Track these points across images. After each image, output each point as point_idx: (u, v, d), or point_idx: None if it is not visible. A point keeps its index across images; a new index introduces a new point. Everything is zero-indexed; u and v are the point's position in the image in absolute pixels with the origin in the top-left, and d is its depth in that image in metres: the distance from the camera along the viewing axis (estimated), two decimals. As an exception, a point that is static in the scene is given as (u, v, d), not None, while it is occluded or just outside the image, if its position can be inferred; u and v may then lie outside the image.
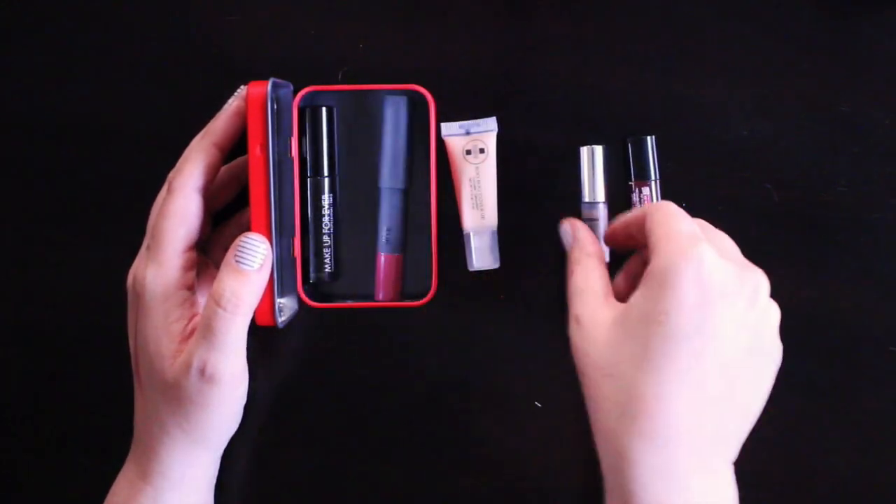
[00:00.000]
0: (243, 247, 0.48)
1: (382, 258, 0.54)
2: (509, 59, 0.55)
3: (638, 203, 0.54)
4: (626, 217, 0.48)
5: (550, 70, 0.55)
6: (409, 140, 0.54)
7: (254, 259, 0.48)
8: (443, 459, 0.55)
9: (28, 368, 0.56)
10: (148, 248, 0.49)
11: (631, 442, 0.41)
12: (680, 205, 0.54)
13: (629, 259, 0.50)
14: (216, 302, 0.47)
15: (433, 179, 0.54)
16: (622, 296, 0.46)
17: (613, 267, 0.51)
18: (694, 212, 0.54)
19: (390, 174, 0.54)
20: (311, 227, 0.54)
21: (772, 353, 0.44)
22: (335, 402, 0.56)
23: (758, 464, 0.54)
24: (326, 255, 0.54)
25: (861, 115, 0.54)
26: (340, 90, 0.54)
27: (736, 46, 0.55)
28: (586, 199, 0.53)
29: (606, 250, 0.52)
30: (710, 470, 0.42)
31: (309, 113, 0.54)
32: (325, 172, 0.54)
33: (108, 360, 0.55)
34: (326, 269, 0.54)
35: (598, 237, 0.52)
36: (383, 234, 0.54)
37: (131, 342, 0.50)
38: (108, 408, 0.55)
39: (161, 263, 0.48)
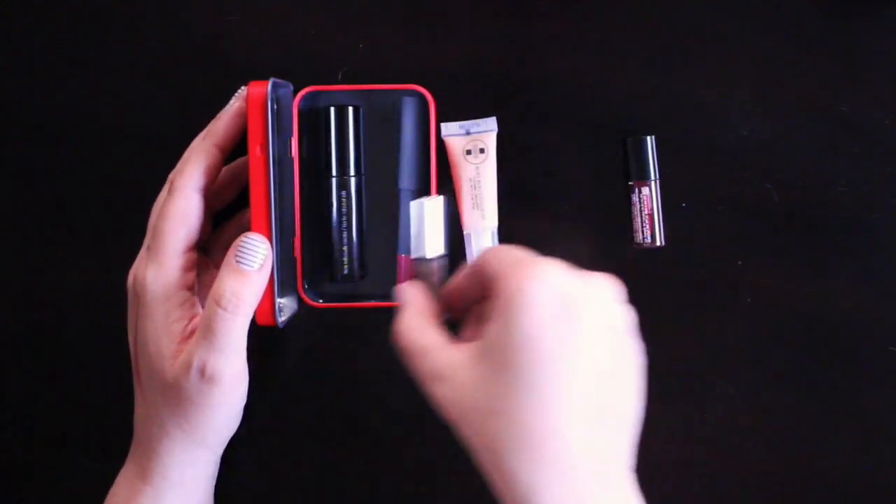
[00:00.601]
0: (244, 247, 0.48)
1: (403, 260, 0.54)
2: (509, 59, 0.55)
3: (637, 203, 0.53)
4: (456, 279, 0.45)
5: (550, 70, 0.55)
6: (427, 141, 0.54)
7: (254, 259, 0.48)
8: (443, 459, 0.55)
9: (28, 368, 0.56)
10: (148, 248, 0.49)
11: (534, 475, 0.38)
12: (680, 205, 0.55)
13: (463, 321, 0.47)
14: (216, 302, 0.47)
15: (433, 179, 0.54)
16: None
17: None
18: (694, 212, 0.55)
19: (411, 176, 0.54)
20: (334, 225, 0.53)
21: (634, 353, 0.42)
22: (335, 402, 0.56)
23: (758, 464, 0.55)
24: (356, 255, 0.54)
25: (861, 115, 0.54)
26: (340, 90, 0.54)
27: (736, 46, 0.55)
28: (415, 254, 0.49)
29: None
30: (612, 484, 0.40)
31: (335, 112, 0.53)
32: (352, 172, 0.54)
33: (108, 360, 0.55)
34: (356, 267, 0.54)
35: (433, 290, 0.47)
36: (405, 237, 0.54)
37: (131, 342, 0.50)
38: (108, 408, 0.55)
39: (161, 264, 0.48)
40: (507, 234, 0.54)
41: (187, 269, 0.49)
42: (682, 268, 0.55)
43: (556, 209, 0.54)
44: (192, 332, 0.49)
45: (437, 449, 0.55)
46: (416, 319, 0.44)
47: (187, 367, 0.47)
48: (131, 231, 0.52)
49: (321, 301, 0.54)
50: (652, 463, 0.53)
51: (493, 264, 0.42)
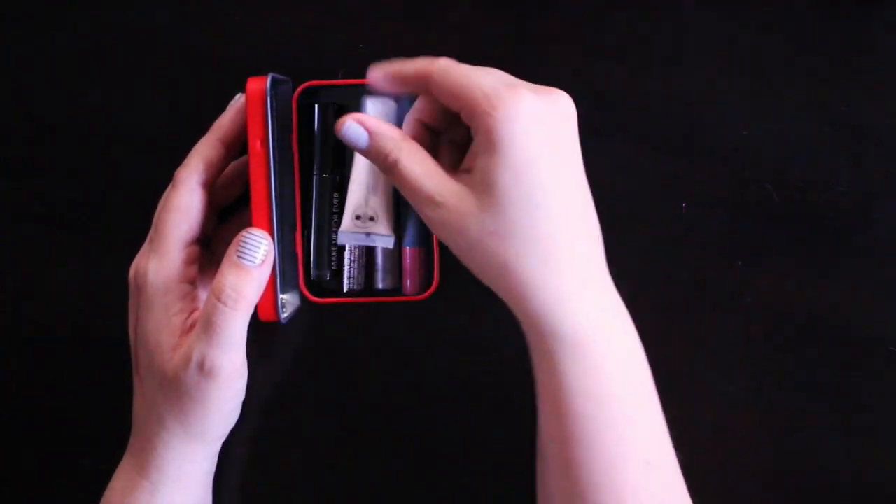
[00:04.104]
0: (245, 242, 0.48)
1: (408, 252, 0.54)
2: (509, 59, 0.55)
3: None
4: (401, 67, 0.47)
5: (550, 70, 0.55)
6: None
7: (255, 254, 0.48)
8: (443, 458, 0.55)
9: (28, 368, 0.56)
10: (150, 241, 0.49)
11: (569, 284, 0.44)
12: (680, 205, 0.55)
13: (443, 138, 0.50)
14: (217, 297, 0.47)
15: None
16: (453, 164, 0.48)
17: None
18: (694, 212, 0.55)
19: None
20: (313, 224, 0.54)
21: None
22: (335, 399, 0.56)
23: (758, 464, 0.55)
24: (333, 254, 0.54)
25: (861, 115, 0.54)
26: (338, 84, 0.54)
27: (736, 46, 0.55)
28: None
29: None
30: (606, 282, 0.46)
31: (304, 110, 0.54)
32: (330, 170, 0.54)
33: (109, 359, 0.55)
34: (333, 267, 0.54)
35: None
36: (409, 229, 0.54)
37: (131, 335, 0.50)
38: (108, 408, 0.55)
39: (163, 256, 0.48)
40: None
41: (189, 262, 0.49)
42: (682, 268, 0.55)
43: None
44: (193, 326, 0.49)
45: (437, 448, 0.55)
46: (407, 144, 0.47)
47: (187, 360, 0.47)
48: (132, 231, 0.52)
49: (323, 296, 0.54)
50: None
51: (465, 96, 0.44)
